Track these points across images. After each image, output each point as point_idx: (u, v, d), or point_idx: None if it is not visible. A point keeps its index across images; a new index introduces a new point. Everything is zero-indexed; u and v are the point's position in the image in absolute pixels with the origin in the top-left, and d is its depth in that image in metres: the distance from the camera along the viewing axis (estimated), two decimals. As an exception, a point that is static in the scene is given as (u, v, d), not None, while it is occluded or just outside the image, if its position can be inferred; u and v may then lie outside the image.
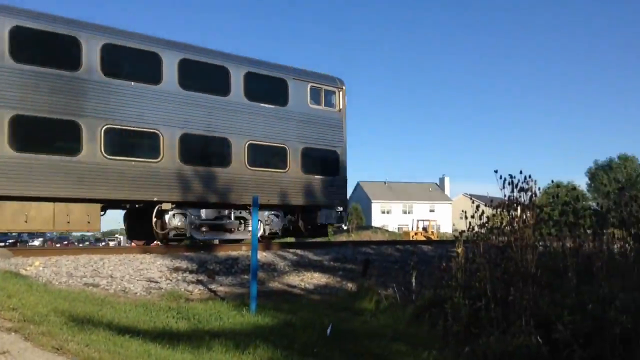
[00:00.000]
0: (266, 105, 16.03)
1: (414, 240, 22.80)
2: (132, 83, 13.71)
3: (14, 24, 12.20)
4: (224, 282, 10.73)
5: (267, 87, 16.21)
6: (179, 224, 14.65)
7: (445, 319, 6.57)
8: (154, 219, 14.38)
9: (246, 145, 15.57)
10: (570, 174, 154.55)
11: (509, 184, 7.22)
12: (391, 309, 8.56)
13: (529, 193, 7.13)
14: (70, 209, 12.91)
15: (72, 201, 12.92)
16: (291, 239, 18.69)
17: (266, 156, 16.15)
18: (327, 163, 17.47)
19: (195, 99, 14.70)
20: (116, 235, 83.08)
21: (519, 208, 7.17)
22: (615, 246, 6.98)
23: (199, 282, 10.49)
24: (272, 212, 16.64)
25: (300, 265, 12.78)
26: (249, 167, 15.70)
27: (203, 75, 15.01)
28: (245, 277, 10.98)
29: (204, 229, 15.42)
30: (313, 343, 6.28)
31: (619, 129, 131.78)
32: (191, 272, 11.21)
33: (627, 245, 6.90)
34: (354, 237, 45.89)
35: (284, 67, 16.79)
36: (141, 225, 14.95)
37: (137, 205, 14.65)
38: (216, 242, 16.18)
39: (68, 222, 12.86)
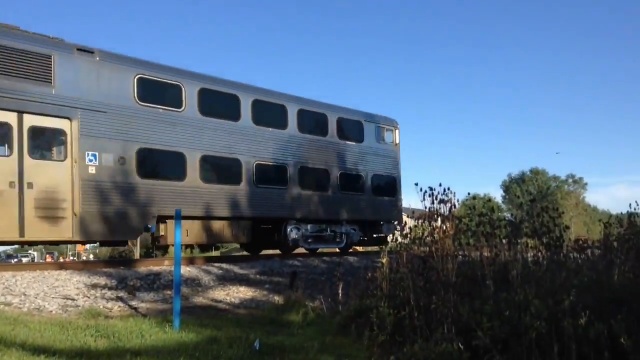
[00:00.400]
0: (350, 143, 20.18)
1: (341, 251, 23.04)
2: (270, 129, 17.60)
3: (200, 87, 15.79)
4: (145, 298, 10.39)
5: (351, 129, 20.27)
6: (296, 236, 17.99)
7: (371, 328, 6.66)
8: (281, 232, 17.85)
9: (339, 174, 19.61)
10: (486, 187, 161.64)
11: (429, 196, 7.46)
12: (318, 321, 8.60)
13: (448, 204, 7.40)
14: (232, 225, 16.38)
15: (234, 219, 16.32)
16: (217, 253, 18.55)
17: (351, 182, 20.01)
18: (388, 186, 21.52)
19: (308, 140, 18.65)
20: (30, 252, 78.72)
21: (439, 219, 7.42)
22: (529, 255, 7.35)
23: (118, 298, 10.12)
24: (352, 227, 19.95)
25: (226, 279, 12.59)
26: (340, 192, 19.52)
27: (312, 122, 19.06)
28: (168, 292, 10.70)
29: (309, 240, 18.60)
30: (239, 359, 6.20)
31: (531, 145, 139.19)
32: (110, 288, 10.79)
33: (539, 253, 7.28)
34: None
35: (360, 112, 20.85)
36: (263, 238, 18.09)
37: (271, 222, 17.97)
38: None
39: (230, 236, 16.50)
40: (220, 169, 16.20)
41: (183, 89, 15.35)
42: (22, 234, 12.37)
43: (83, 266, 13.04)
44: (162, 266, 13.42)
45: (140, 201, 14.11)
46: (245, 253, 20.02)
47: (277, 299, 10.97)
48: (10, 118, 12.35)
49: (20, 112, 12.43)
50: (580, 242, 8.02)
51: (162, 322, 8.01)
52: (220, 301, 10.77)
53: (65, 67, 13.13)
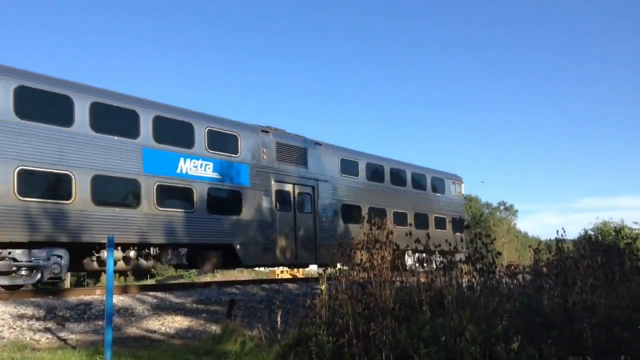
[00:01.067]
0: (438, 194, 28.14)
1: (280, 279, 23.07)
2: (392, 186, 24.98)
3: (366, 161, 23.84)
4: (75, 329, 9.94)
5: (439, 184, 28.29)
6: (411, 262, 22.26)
7: (310, 357, 6.59)
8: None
9: (434, 217, 27.13)
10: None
11: (367, 222, 7.55)
12: (257, 350, 8.44)
13: (386, 231, 7.51)
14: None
15: None
16: (152, 281, 18.06)
17: (440, 223, 27.61)
18: (458, 224, 28.61)
19: (398, 191, 25.40)
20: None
21: (377, 245, 7.50)
22: (464, 280, 7.52)
23: (47, 330, 9.63)
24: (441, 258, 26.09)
25: (161, 308, 12.22)
26: (435, 229, 26.24)
27: (419, 182, 26.73)
28: (100, 323, 10.27)
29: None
30: (174, 390, 5.99)
31: (463, 171, 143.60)
32: (38, 319, 10.26)
33: (473, 279, 7.47)
34: (219, 277, 44.85)
35: (443, 172, 29.19)
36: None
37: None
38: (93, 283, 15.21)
39: None
40: (374, 215, 21.52)
41: (359, 164, 23.25)
42: (295, 259, 19.73)
43: (9, 295, 12.39)
44: (94, 295, 12.91)
45: (344, 238, 19.44)
46: (182, 281, 19.61)
47: (215, 328, 10.72)
48: (290, 188, 19.89)
49: (294, 184, 19.99)
50: (512, 267, 8.30)
51: (93, 354, 7.67)
52: (155, 331, 10.43)
53: (311, 155, 20.90)
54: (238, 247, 17.45)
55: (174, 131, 16.33)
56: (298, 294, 14.26)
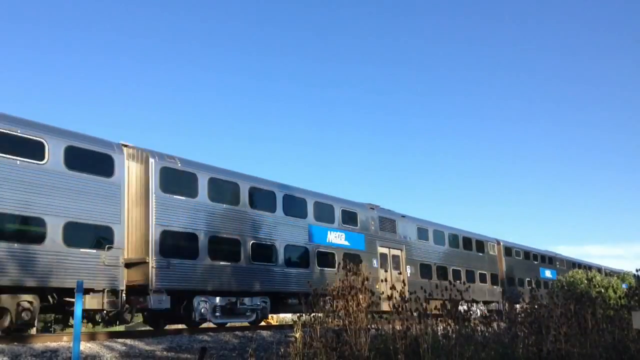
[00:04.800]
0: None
1: (254, 326, 22.52)
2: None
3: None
4: (39, 378, 9.57)
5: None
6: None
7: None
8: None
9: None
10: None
11: (342, 268, 7.53)
12: (227, 400, 8.22)
13: (361, 277, 7.49)
14: None
15: None
16: (121, 328, 17.52)
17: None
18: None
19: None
20: None
21: (352, 291, 7.46)
22: (439, 328, 7.49)
23: (8, 379, 9.25)
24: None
25: (130, 356, 11.85)
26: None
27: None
28: (66, 371, 9.92)
29: None
30: None
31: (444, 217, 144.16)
32: (0, 368, 9.88)
33: (449, 327, 7.44)
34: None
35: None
36: None
37: None
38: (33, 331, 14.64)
39: None
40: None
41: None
42: None
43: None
44: (61, 342, 12.49)
45: None
46: (149, 328, 19.02)
47: (185, 377, 10.43)
48: None
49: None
50: (487, 315, 8.30)
51: (56, 404, 7.37)
52: (123, 380, 10.09)
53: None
54: None
55: None
56: (272, 342, 14.01)
